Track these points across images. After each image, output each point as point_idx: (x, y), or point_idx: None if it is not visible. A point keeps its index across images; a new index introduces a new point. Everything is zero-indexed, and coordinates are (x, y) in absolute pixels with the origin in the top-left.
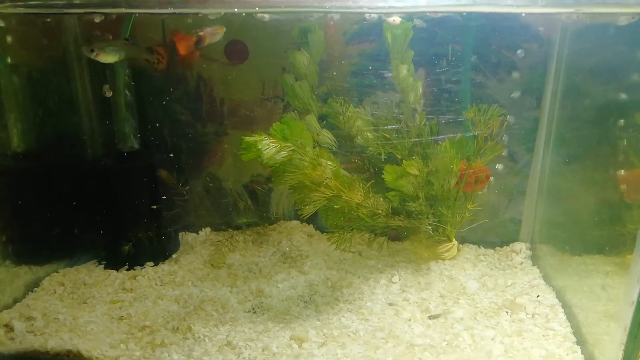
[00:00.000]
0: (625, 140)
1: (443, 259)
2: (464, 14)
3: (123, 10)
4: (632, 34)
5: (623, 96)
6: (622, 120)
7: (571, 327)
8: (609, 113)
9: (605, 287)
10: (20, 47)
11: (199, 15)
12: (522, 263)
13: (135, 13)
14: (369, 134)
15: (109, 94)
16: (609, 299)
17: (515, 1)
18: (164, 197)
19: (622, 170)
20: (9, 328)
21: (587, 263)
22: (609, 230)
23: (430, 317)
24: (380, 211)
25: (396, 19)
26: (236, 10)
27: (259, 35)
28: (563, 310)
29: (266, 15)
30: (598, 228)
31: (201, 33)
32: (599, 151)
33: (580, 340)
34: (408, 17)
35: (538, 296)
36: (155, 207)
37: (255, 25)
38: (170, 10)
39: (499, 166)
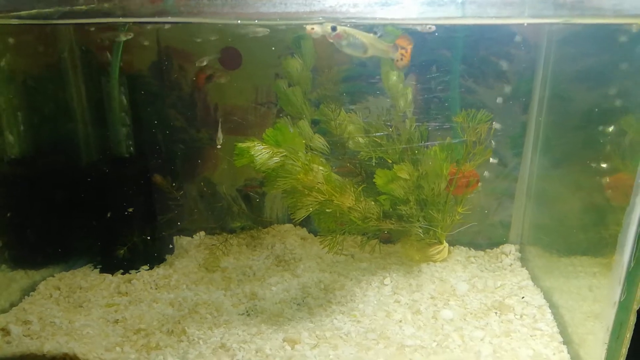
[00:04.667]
0: (609, 145)
1: (434, 261)
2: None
3: (119, 20)
4: (615, 41)
5: (607, 102)
6: (606, 126)
7: (558, 328)
8: (594, 118)
9: (592, 288)
10: (15, 54)
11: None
12: (511, 265)
13: (129, 23)
14: (360, 139)
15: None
16: (595, 300)
17: (500, 12)
18: (159, 202)
19: (606, 176)
20: (5, 332)
21: (575, 264)
22: (594, 233)
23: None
24: (371, 215)
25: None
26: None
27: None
28: (550, 310)
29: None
30: (584, 230)
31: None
32: (584, 155)
33: (567, 340)
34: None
35: (523, 297)
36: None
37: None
38: (167, 20)
39: (488, 170)
